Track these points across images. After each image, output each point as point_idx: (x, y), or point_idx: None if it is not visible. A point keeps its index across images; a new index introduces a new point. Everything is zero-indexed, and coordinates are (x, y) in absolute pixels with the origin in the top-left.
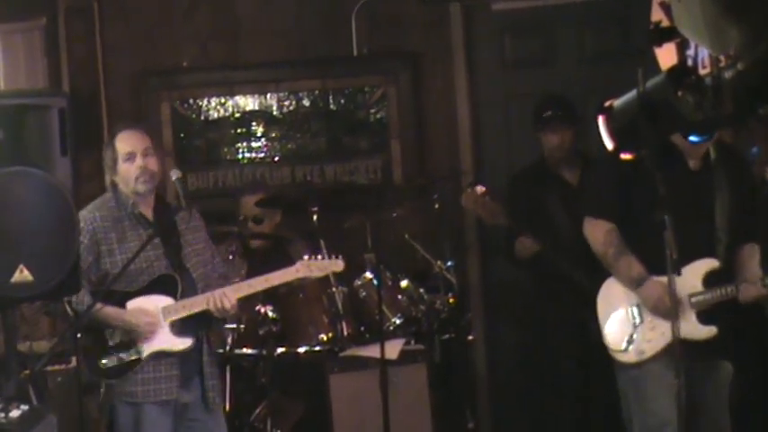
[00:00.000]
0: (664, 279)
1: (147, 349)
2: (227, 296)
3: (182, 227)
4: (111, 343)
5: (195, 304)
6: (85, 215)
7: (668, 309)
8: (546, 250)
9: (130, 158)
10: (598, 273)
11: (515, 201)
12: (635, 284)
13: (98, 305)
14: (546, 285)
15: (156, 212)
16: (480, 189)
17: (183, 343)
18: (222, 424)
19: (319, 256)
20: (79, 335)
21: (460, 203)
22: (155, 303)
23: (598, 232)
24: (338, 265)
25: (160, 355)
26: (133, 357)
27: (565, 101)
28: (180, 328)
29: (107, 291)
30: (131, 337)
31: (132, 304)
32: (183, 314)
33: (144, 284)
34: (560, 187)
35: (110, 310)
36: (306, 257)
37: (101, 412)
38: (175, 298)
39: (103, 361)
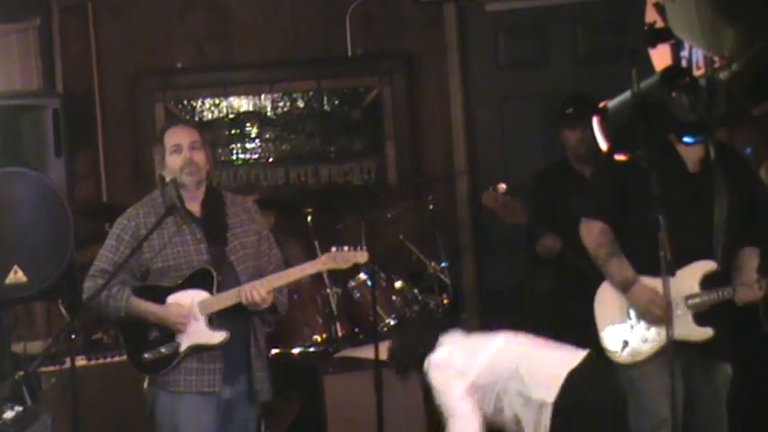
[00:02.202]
0: (652, 282)
1: (185, 343)
2: (257, 289)
3: (233, 220)
4: (150, 337)
5: (228, 298)
6: (130, 213)
7: (657, 316)
8: (566, 249)
9: (177, 151)
10: None
11: (538, 199)
12: (623, 288)
13: (125, 294)
14: (568, 283)
15: (205, 207)
16: (502, 187)
17: (219, 336)
18: (254, 418)
19: (345, 247)
20: (120, 330)
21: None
22: (192, 298)
23: (591, 233)
24: (363, 255)
25: (199, 349)
26: (171, 351)
27: (584, 97)
28: (217, 321)
29: (144, 285)
30: (169, 332)
31: (172, 299)
32: (217, 308)
33: (183, 279)
34: (582, 186)
35: (144, 305)
36: (334, 249)
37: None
38: (211, 292)
39: (145, 355)
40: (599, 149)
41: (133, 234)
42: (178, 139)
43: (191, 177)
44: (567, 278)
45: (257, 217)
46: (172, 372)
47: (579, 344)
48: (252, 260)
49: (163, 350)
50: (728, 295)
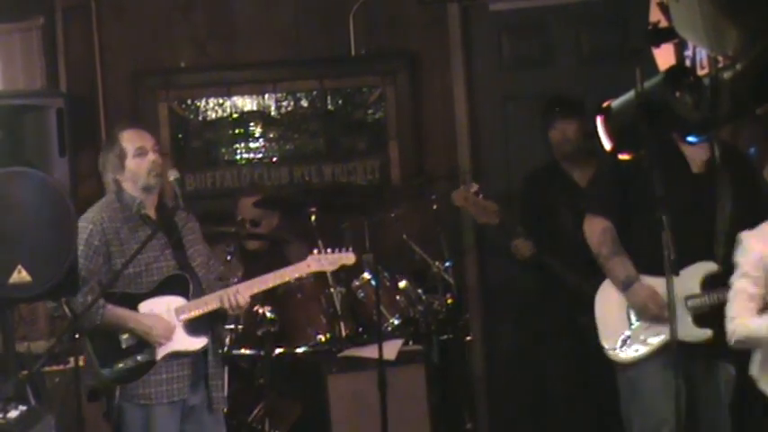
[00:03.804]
0: (653, 282)
1: (162, 351)
2: (241, 293)
3: (181, 228)
4: (124, 345)
5: (209, 303)
6: (93, 217)
7: (654, 313)
8: (540, 253)
9: (142, 153)
10: (596, 277)
11: (526, 201)
12: (623, 287)
13: (101, 303)
14: (544, 286)
15: (159, 212)
16: (473, 187)
17: (198, 343)
18: (221, 425)
19: (329, 250)
20: (79, 336)
21: (452, 202)
22: (167, 304)
23: (595, 230)
24: (350, 258)
25: (173, 356)
26: (148, 359)
27: (566, 97)
28: (193, 328)
29: (112, 293)
30: (145, 340)
31: (145, 306)
32: (197, 313)
33: (155, 285)
34: (569, 188)
35: (123, 313)
36: (316, 252)
37: (108, 414)
38: (187, 298)
39: (119, 365)
40: (586, 149)
41: (101, 239)
42: (142, 141)
43: (158, 179)
44: (543, 280)
45: (198, 226)
46: (142, 384)
47: (555, 346)
48: (205, 268)
49: (139, 358)
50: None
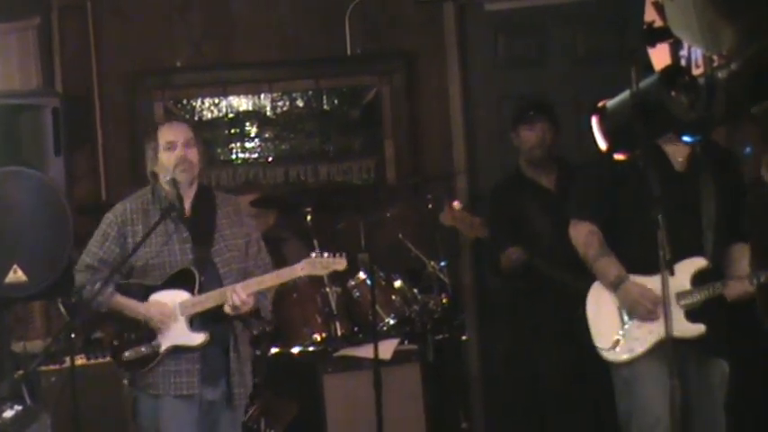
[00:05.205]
0: (642, 280)
1: (165, 343)
2: (237, 292)
3: (221, 221)
4: (131, 335)
5: (208, 300)
6: (117, 207)
7: (647, 309)
8: (533, 259)
9: (171, 148)
10: (586, 275)
11: (497, 212)
12: (613, 287)
13: (109, 292)
14: (531, 289)
15: (195, 206)
16: (457, 205)
17: (199, 338)
18: (238, 422)
19: (325, 254)
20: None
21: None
22: (173, 298)
23: (580, 233)
24: (341, 263)
25: (179, 350)
26: (151, 351)
27: (542, 101)
28: (198, 323)
29: (130, 283)
30: (150, 331)
31: (153, 298)
32: (197, 309)
33: (166, 278)
34: (538, 194)
35: (126, 301)
36: (314, 255)
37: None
38: (193, 293)
39: (125, 354)
40: (551, 153)
41: (119, 230)
42: (172, 136)
43: (184, 174)
44: (530, 285)
45: (248, 219)
46: (151, 374)
47: (547, 347)
48: (237, 263)
49: (143, 349)
50: (719, 290)
